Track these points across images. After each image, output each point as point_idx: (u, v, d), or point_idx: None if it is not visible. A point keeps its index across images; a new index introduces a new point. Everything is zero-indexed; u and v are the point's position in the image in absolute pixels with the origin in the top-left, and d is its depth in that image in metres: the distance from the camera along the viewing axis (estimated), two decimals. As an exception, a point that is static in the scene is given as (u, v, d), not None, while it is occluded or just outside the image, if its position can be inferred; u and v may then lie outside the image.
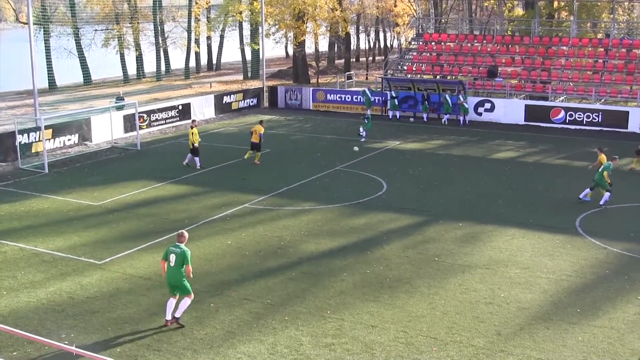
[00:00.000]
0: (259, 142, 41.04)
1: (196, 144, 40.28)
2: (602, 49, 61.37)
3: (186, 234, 21.38)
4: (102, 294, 23.19)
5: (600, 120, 52.62)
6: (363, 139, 47.46)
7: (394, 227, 30.06)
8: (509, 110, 56.20)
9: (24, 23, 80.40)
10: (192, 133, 40.24)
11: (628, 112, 52.98)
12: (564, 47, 62.75)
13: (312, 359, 18.81)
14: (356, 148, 41.14)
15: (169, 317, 20.63)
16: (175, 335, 20.13)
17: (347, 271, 25.08)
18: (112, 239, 28.65)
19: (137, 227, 30.21)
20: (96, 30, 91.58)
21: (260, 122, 41.98)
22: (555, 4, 79.77)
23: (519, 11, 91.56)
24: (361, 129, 48.41)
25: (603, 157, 34.01)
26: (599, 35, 77.53)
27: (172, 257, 20.76)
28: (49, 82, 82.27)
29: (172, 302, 20.68)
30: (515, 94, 59.82)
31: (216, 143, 47.74)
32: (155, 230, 29.58)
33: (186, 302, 20.67)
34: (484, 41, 67.57)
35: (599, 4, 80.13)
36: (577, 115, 53.41)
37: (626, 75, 58.21)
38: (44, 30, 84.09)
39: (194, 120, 43.26)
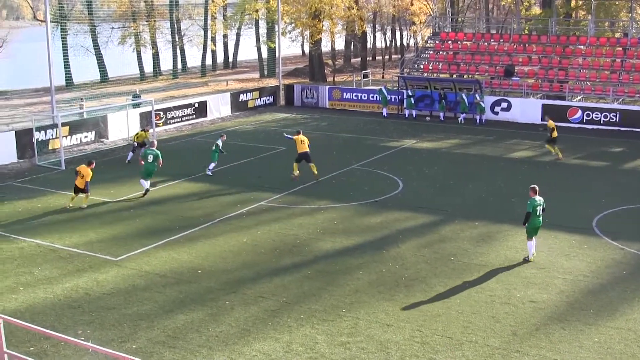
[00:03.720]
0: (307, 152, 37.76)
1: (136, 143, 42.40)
2: (620, 48, 61.13)
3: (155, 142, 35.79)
4: (118, 291, 23.26)
5: (617, 120, 52.35)
6: None
7: (410, 226, 30.02)
8: (526, 109, 56.01)
9: (42, 21, 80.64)
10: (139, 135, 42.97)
11: (646, 112, 52.76)
12: (582, 47, 62.54)
13: (328, 357, 18.80)
14: None
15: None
16: (190, 332, 20.17)
17: (362, 270, 25.07)
18: (129, 236, 28.74)
19: (153, 224, 30.29)
20: (113, 28, 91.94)
21: (298, 132, 38.54)
22: (573, 2, 79.51)
23: (536, 10, 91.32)
24: None
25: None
26: (617, 35, 77.22)
27: (150, 157, 34.83)
28: (65, 80, 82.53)
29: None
30: (532, 94, 59.64)
31: (232, 141, 47.72)
32: (171, 228, 29.64)
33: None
34: (501, 40, 67.42)
35: (616, 3, 79.98)
36: (594, 115, 53.17)
37: (644, 75, 57.97)
38: (61, 28, 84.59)
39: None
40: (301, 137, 37.56)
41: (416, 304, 22.17)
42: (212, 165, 38.82)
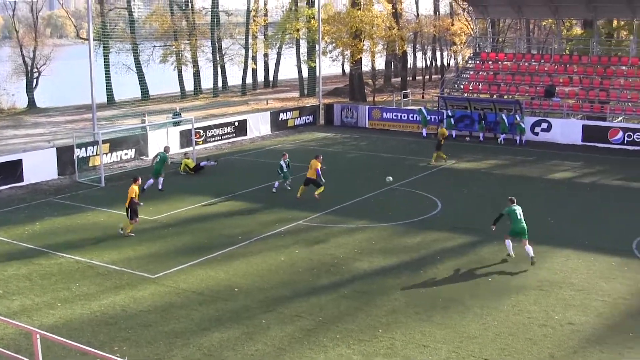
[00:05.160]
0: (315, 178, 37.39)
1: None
2: (662, 69, 60.65)
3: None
4: (155, 308, 23.36)
5: (659, 141, 51.93)
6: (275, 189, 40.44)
7: (447, 247, 29.92)
8: (566, 130, 55.64)
9: (84, 39, 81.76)
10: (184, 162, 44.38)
11: (688, 133, 52.23)
12: (623, 67, 62.07)
13: (363, 377, 18.74)
14: (389, 178, 39.87)
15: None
16: (226, 350, 20.19)
17: (399, 290, 24.99)
18: (166, 254, 28.89)
19: (191, 242, 30.40)
20: (155, 46, 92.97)
21: (316, 157, 38.38)
22: (615, 23, 79.03)
23: (577, 30, 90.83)
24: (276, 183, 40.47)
25: None
26: (659, 55, 76.58)
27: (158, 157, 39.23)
28: (107, 97, 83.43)
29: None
30: (573, 114, 59.21)
31: (272, 160, 47.89)
32: (208, 246, 29.75)
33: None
34: (542, 60, 67.09)
35: (659, 23, 79.20)
36: (635, 136, 52.67)
37: (686, 96, 57.43)
38: (104, 46, 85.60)
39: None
40: (313, 161, 37.58)
41: (453, 325, 22.05)
42: (276, 183, 39.52)
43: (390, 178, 39.06)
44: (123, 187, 39.92)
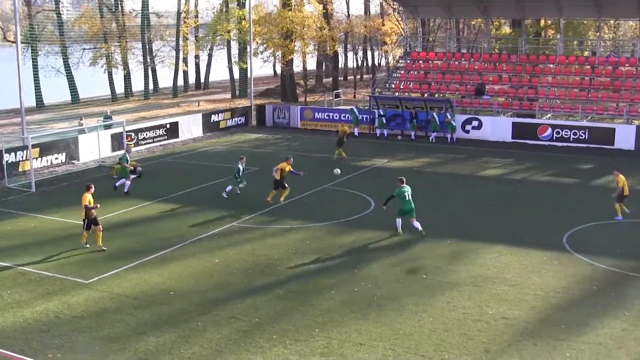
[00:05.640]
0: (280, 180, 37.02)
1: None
2: (589, 67, 61.78)
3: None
4: (89, 314, 23.09)
5: (587, 138, 52.79)
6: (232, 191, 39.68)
7: (381, 245, 30.07)
8: (497, 128, 56.34)
9: (12, 42, 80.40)
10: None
11: (614, 129, 53.21)
12: (551, 65, 63.05)
13: (300, 377, 18.77)
14: (337, 170, 40.14)
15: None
16: (162, 354, 20.05)
17: (335, 289, 25.05)
18: (100, 258, 28.54)
19: (125, 246, 30.09)
20: (84, 49, 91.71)
21: (287, 159, 37.92)
22: (542, 22, 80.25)
23: (506, 29, 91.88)
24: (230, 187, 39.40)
25: (620, 177, 33.80)
26: (585, 53, 78.09)
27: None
28: (36, 101, 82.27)
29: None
30: (503, 112, 59.96)
31: (204, 162, 47.73)
32: (142, 250, 29.49)
33: None
34: (472, 59, 67.90)
35: (585, 22, 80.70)
36: (564, 133, 53.58)
37: (612, 93, 58.49)
38: (32, 49, 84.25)
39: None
40: (282, 165, 37.08)
41: (389, 322, 22.17)
42: (229, 187, 38.67)
43: (339, 170, 39.12)
44: (54, 192, 39.71)
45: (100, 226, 29.75)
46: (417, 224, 30.73)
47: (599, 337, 21.09)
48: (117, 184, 39.22)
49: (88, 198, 29.63)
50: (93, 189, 30.41)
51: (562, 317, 22.55)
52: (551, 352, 20.07)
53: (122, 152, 41.11)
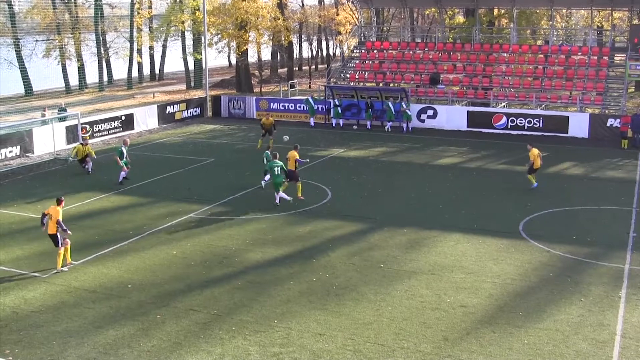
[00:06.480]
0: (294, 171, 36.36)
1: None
2: (542, 56, 62.32)
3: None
4: (47, 308, 22.93)
5: (541, 126, 53.28)
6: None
7: (339, 235, 30.14)
8: (452, 116, 56.69)
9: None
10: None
11: (568, 117, 53.83)
12: (505, 54, 63.55)
13: (260, 368, 18.80)
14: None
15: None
16: (122, 347, 19.98)
17: (293, 279, 25.10)
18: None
19: (82, 239, 29.81)
20: (37, 40, 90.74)
21: (295, 148, 37.23)
22: (496, 11, 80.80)
23: (460, 19, 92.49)
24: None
25: (533, 151, 37.00)
26: (539, 42, 78.64)
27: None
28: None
29: None
30: (458, 101, 60.38)
31: (160, 153, 47.53)
32: (100, 242, 29.33)
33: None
34: (426, 49, 68.19)
35: (537, 11, 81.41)
36: (518, 121, 54.03)
37: (565, 81, 59.05)
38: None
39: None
40: (291, 153, 36.55)
41: (347, 312, 22.27)
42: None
43: (287, 137, 39.22)
44: (8, 185, 39.21)
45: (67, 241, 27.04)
46: (282, 195, 34.48)
47: (556, 323, 21.34)
48: (120, 179, 39.36)
49: (59, 211, 26.44)
50: (63, 203, 27.32)
51: (520, 304, 22.78)
52: (509, 339, 20.28)
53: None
